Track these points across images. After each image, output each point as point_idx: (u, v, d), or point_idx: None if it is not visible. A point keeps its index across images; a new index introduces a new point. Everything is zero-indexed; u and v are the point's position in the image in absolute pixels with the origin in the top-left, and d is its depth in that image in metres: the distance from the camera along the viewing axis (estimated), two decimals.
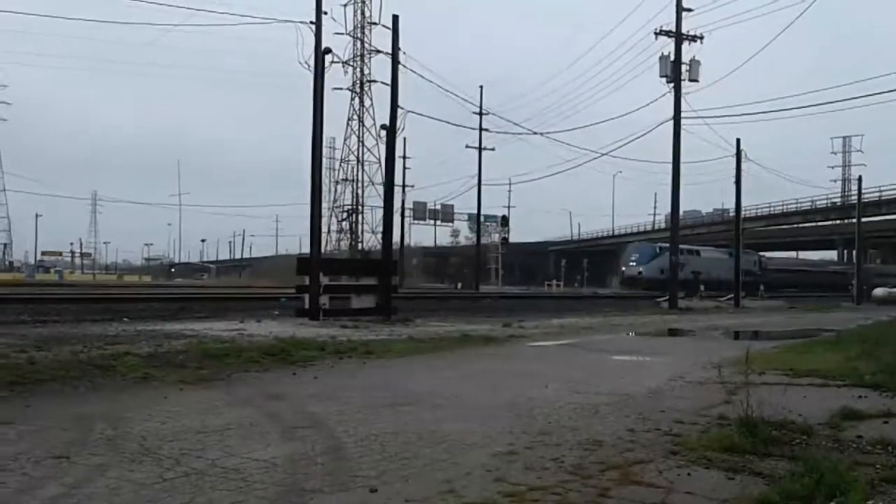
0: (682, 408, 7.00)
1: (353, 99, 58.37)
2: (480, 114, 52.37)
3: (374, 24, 54.76)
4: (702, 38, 33.00)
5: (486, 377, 9.42)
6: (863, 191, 53.76)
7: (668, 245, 56.35)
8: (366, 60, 57.10)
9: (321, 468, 4.75)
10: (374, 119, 56.45)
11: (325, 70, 20.89)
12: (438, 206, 67.34)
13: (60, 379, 8.23)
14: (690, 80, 32.97)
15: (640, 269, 59.28)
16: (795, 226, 78.88)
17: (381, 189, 42.38)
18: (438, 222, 68.43)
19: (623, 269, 63.86)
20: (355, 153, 59.63)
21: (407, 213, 62.41)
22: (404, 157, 59.82)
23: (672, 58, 32.69)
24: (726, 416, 6.26)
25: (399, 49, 22.97)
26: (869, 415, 6.58)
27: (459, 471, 4.70)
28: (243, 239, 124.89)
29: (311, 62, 20.62)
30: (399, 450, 5.22)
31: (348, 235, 58.51)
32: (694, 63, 33.00)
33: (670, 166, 33.48)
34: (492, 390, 8.13)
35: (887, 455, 5.16)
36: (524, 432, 5.84)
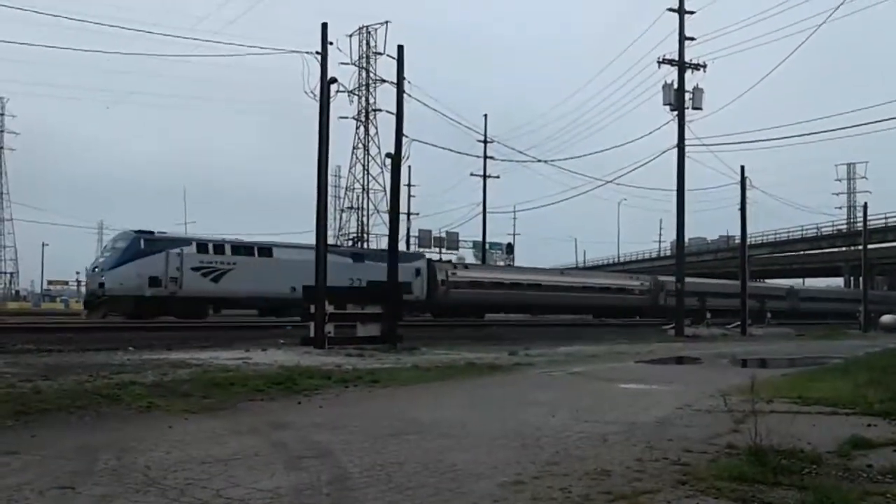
0: (690, 436, 6.94)
1: (358, 128, 59.02)
2: (485, 142, 52.63)
3: (379, 54, 55.58)
4: (705, 66, 33.26)
5: (492, 406, 9.37)
6: (868, 217, 53.82)
7: (159, 236, 34.91)
8: (371, 90, 57.83)
9: (327, 498, 4.72)
10: (379, 147, 56.98)
11: (331, 99, 21.11)
12: (443, 234, 67.41)
13: (65, 408, 8.22)
14: (694, 108, 33.16)
15: (103, 277, 33.23)
16: (801, 253, 78.79)
17: (386, 217, 42.48)
18: (443, 250, 68.41)
19: (86, 280, 38.02)
20: (360, 181, 60.12)
21: (412, 240, 62.54)
22: (409, 186, 60.22)
23: (675, 86, 32.92)
24: (735, 444, 6.22)
25: (404, 78, 23.17)
26: (879, 443, 6.52)
27: (466, 501, 4.66)
28: None
29: (317, 92, 20.82)
30: (405, 479, 5.19)
31: None
32: (697, 91, 33.21)
33: (675, 193, 33.59)
34: (498, 419, 8.09)
35: None
36: (531, 462, 5.80)
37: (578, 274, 62.56)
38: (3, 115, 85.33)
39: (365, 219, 60.29)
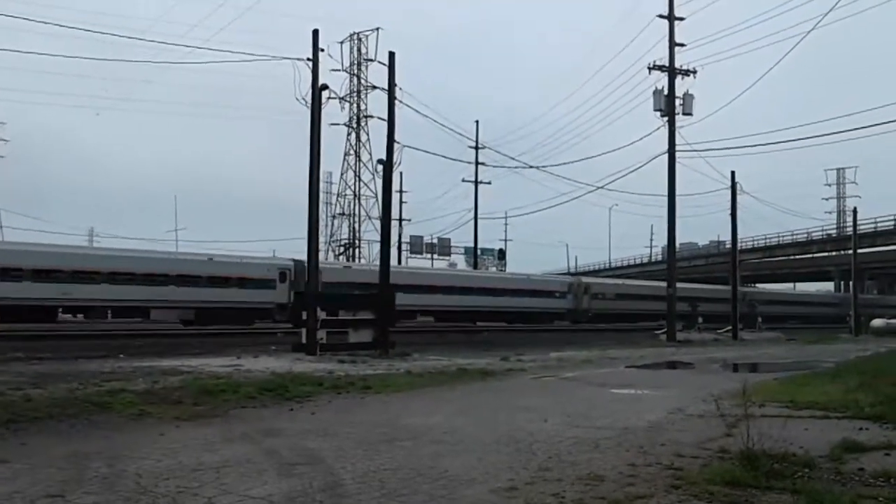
0: (682, 441, 6.95)
1: (349, 134, 59.05)
2: (476, 148, 52.84)
3: (371, 60, 55.66)
4: (695, 72, 33.48)
5: (484, 411, 9.36)
6: (858, 222, 54.07)
7: None
8: (362, 96, 57.87)
9: None
10: (370, 154, 57.03)
11: (322, 106, 21.15)
12: (435, 240, 67.40)
13: (56, 416, 8.17)
14: (684, 114, 33.36)
15: None
16: (792, 257, 79.15)
17: (377, 223, 42.53)
18: (435, 256, 68.44)
19: None
20: (352, 188, 60.13)
21: (404, 247, 62.59)
22: (401, 192, 60.27)
23: (666, 92, 33.07)
24: (727, 449, 6.23)
25: (395, 85, 23.18)
26: (870, 447, 6.54)
27: None
28: None
29: (309, 98, 20.84)
30: (398, 486, 5.18)
31: None
32: (687, 97, 33.41)
33: (666, 199, 33.74)
34: (491, 425, 8.08)
35: (890, 488, 5.12)
36: (524, 467, 5.79)
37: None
38: None
39: (356, 225, 60.32)
